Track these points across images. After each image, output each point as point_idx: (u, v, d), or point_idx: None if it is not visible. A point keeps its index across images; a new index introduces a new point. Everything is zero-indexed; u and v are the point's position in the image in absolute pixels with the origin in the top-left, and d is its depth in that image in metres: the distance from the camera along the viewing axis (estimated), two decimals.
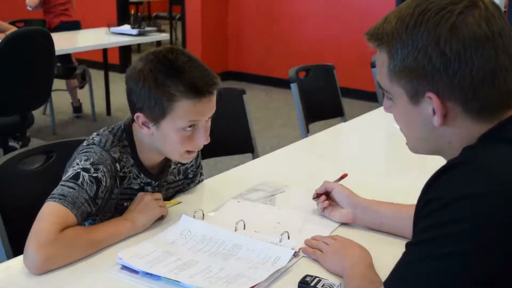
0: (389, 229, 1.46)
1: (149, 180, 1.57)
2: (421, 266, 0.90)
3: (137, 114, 1.44)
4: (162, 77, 1.40)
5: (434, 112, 0.97)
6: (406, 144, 1.09)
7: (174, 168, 1.67)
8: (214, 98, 1.45)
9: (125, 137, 1.52)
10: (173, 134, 1.44)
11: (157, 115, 1.42)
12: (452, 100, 0.95)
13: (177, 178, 1.70)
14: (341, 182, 1.66)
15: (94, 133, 1.52)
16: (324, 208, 1.55)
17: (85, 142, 1.51)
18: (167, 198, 1.65)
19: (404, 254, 0.96)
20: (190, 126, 1.43)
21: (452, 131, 0.98)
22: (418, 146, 1.06)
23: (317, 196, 1.58)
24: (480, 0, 0.95)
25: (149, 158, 1.55)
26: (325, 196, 1.56)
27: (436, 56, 0.93)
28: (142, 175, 1.55)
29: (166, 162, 1.62)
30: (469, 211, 0.87)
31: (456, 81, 0.93)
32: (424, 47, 0.94)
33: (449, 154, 1.00)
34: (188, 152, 1.49)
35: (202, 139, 1.47)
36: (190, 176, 1.75)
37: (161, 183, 1.61)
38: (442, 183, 0.92)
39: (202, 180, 1.81)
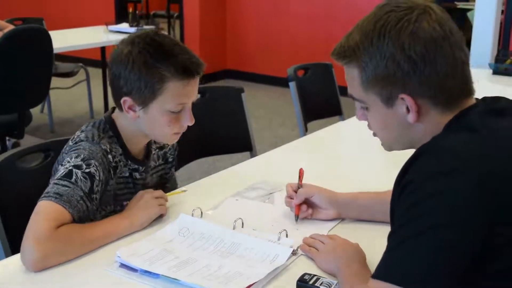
0: (373, 217, 1.50)
1: (136, 166, 1.58)
2: (401, 249, 0.98)
3: (124, 98, 1.46)
4: (152, 59, 1.42)
5: (407, 111, 1.07)
6: (382, 145, 1.19)
7: (154, 153, 1.68)
8: (198, 81, 1.49)
9: (109, 128, 1.53)
10: (161, 116, 1.46)
11: (146, 98, 1.44)
12: (422, 97, 1.06)
13: (157, 163, 1.71)
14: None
15: (77, 132, 1.53)
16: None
17: (70, 141, 1.51)
18: (154, 184, 1.66)
19: (387, 245, 1.02)
20: (177, 109, 1.46)
21: (424, 125, 1.08)
22: (394, 144, 1.17)
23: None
24: (429, 7, 1.06)
25: (134, 144, 1.56)
26: (306, 206, 1.53)
27: (404, 61, 1.03)
28: (129, 162, 1.56)
29: (149, 147, 1.63)
30: (436, 188, 0.95)
31: (424, 79, 1.04)
32: (391, 55, 1.04)
33: (420, 145, 1.07)
34: (175, 133, 1.52)
35: (188, 120, 1.50)
36: (170, 159, 1.76)
37: (147, 169, 1.62)
38: (413, 170, 1.01)
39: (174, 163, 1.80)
